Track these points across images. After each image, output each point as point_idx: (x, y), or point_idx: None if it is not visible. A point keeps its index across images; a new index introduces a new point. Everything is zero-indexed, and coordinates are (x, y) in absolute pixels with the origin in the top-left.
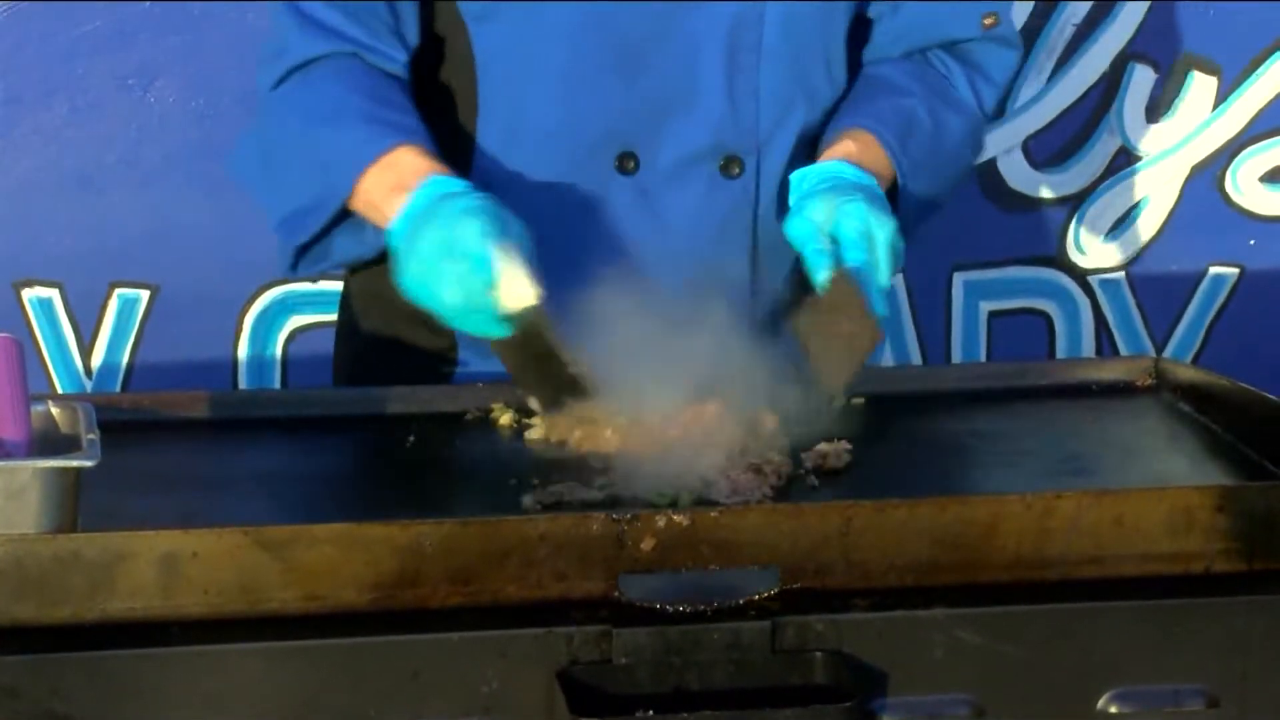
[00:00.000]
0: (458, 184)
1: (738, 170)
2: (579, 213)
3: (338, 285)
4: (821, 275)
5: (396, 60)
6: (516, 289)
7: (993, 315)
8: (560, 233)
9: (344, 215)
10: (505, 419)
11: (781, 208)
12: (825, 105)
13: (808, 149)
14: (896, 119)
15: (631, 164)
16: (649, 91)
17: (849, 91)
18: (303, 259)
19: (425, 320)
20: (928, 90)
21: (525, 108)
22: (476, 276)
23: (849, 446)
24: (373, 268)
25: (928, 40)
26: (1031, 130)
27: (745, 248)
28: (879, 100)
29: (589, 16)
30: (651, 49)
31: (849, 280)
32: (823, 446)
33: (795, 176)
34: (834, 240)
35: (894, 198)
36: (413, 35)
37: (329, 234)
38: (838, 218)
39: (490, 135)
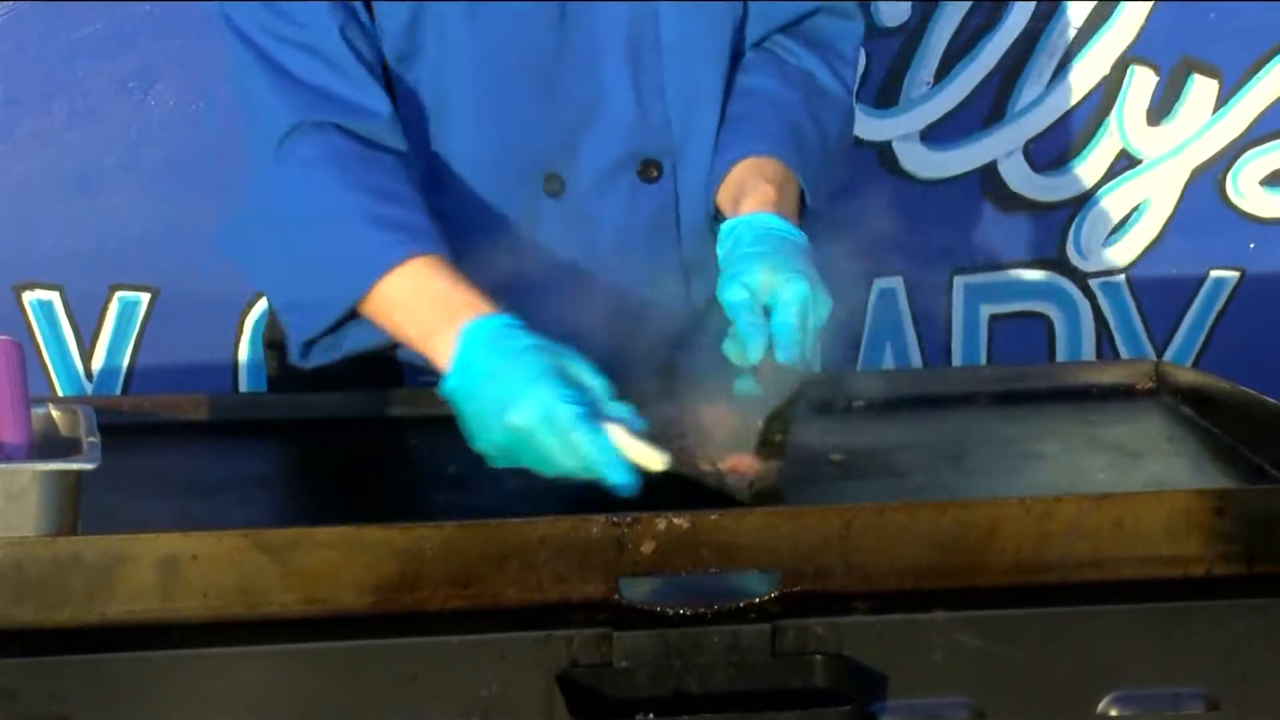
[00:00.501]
0: (507, 329)
1: (656, 173)
2: (512, 241)
3: None
4: (753, 353)
5: (380, 115)
6: (645, 459)
7: (993, 318)
8: (496, 261)
9: (353, 313)
10: None
11: (704, 220)
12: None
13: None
14: (790, 137)
15: (557, 185)
16: (562, 108)
17: (730, 109)
18: (312, 350)
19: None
20: (801, 93)
21: (448, 142)
22: (594, 448)
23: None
24: None
25: (775, 22)
26: (1032, 133)
27: (675, 253)
28: (767, 120)
29: (497, 41)
30: (558, 62)
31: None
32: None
33: (725, 228)
34: (766, 310)
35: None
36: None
37: (339, 328)
38: (775, 292)
39: (417, 172)
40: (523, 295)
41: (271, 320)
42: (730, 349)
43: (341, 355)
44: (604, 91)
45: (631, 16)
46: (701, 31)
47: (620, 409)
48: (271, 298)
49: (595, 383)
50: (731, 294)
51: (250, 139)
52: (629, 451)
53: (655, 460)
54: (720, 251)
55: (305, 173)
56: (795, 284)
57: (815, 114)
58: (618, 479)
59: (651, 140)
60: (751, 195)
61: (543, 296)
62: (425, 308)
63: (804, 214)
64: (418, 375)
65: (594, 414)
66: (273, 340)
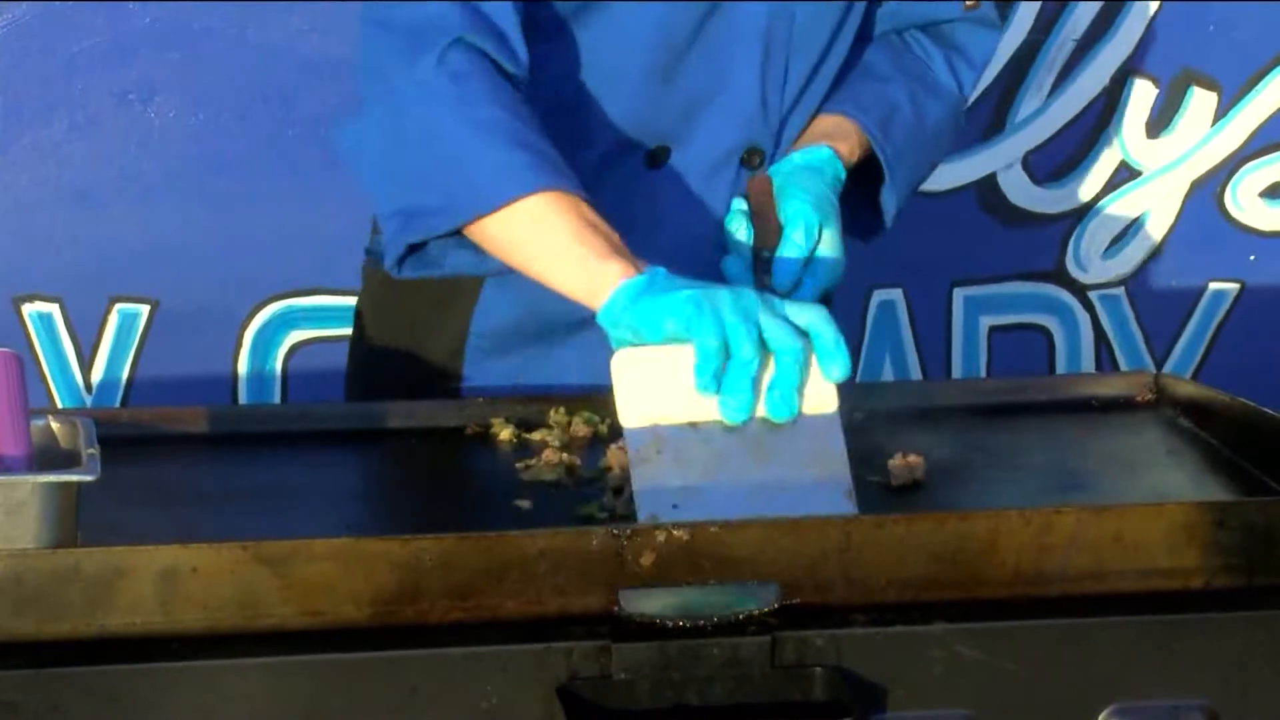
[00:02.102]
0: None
1: (758, 161)
2: (611, 206)
3: (338, 300)
4: (783, 285)
5: (522, 63)
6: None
7: (993, 330)
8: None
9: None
10: (505, 434)
11: None
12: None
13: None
14: (878, 106)
15: (662, 156)
16: (685, 89)
17: None
18: (410, 259)
19: (432, 336)
20: (907, 76)
21: (569, 107)
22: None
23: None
24: (385, 284)
25: (910, 20)
26: (1032, 145)
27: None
28: (859, 86)
29: (639, 23)
30: (691, 49)
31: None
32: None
33: (811, 153)
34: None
35: (877, 181)
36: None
37: (446, 242)
38: (823, 256)
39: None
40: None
41: (356, 317)
42: (736, 227)
43: (439, 273)
44: (731, 79)
45: (770, 12)
46: (828, 31)
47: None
48: (383, 201)
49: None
50: (807, 220)
51: (396, 40)
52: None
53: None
54: (795, 161)
55: (458, 84)
56: (839, 260)
57: (915, 98)
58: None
59: (762, 130)
60: (835, 140)
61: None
62: (586, 237)
63: (871, 203)
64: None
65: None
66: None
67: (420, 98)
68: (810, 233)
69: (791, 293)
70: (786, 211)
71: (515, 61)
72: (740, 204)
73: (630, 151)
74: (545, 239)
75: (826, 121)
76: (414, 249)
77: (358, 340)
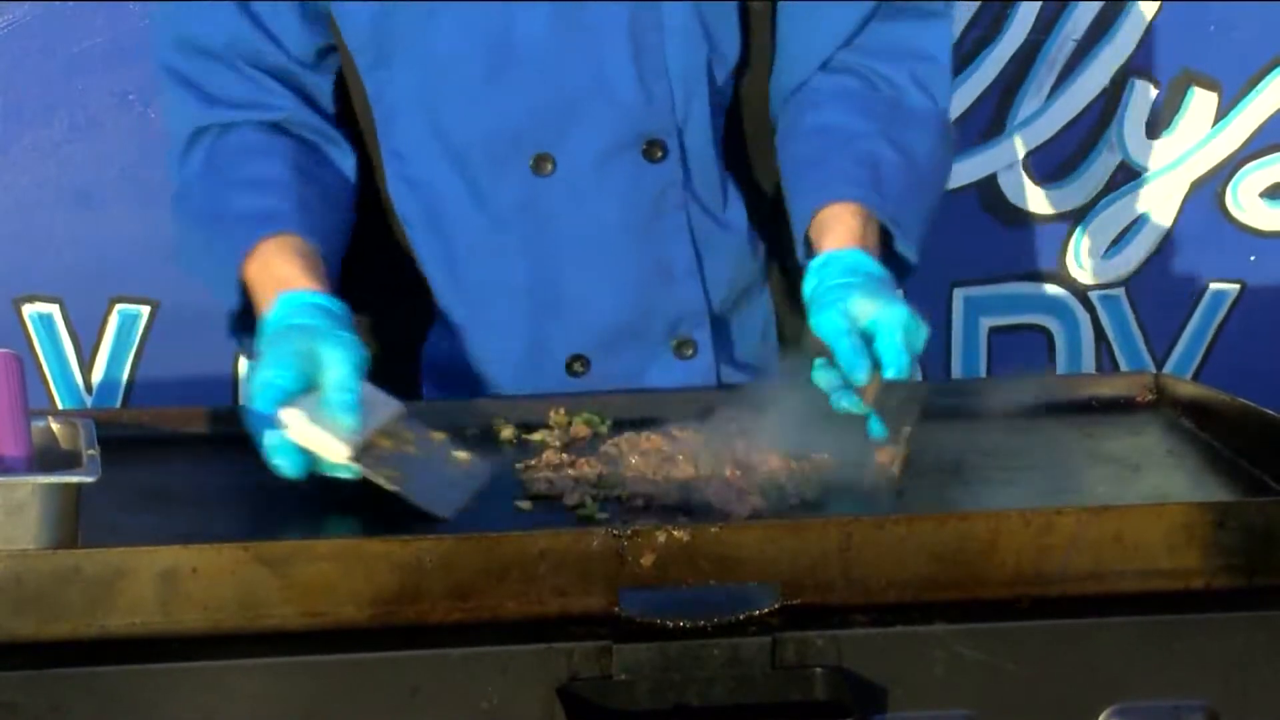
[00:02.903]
0: (291, 307)
1: (660, 153)
2: (504, 222)
3: None
4: (862, 375)
5: (283, 110)
6: (319, 447)
7: (993, 331)
8: (492, 242)
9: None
10: (505, 434)
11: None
12: (732, 65)
13: (725, 115)
14: (868, 175)
15: (549, 165)
16: (555, 91)
17: (802, 151)
18: (246, 343)
19: (385, 353)
20: (881, 121)
21: (437, 123)
22: (258, 430)
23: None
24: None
25: (845, 28)
26: (1031, 146)
27: (684, 231)
28: (838, 158)
29: (479, 34)
30: (551, 49)
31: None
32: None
33: (813, 264)
34: (865, 336)
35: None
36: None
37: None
38: (875, 318)
39: (395, 175)
40: (533, 272)
41: None
42: (822, 377)
43: None
44: (604, 75)
45: (633, 5)
46: (704, 12)
47: (341, 396)
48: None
49: (336, 367)
50: (830, 321)
51: (168, 153)
52: (298, 438)
53: (333, 452)
54: (807, 288)
55: (201, 171)
56: (895, 307)
57: (897, 140)
58: (275, 461)
59: (656, 121)
60: (833, 234)
61: (548, 274)
62: (268, 279)
63: (893, 252)
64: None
65: (288, 399)
66: None
67: (179, 201)
68: (837, 324)
69: (880, 374)
70: (818, 332)
71: (264, 110)
72: (817, 362)
73: (510, 161)
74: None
75: (821, 217)
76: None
77: None
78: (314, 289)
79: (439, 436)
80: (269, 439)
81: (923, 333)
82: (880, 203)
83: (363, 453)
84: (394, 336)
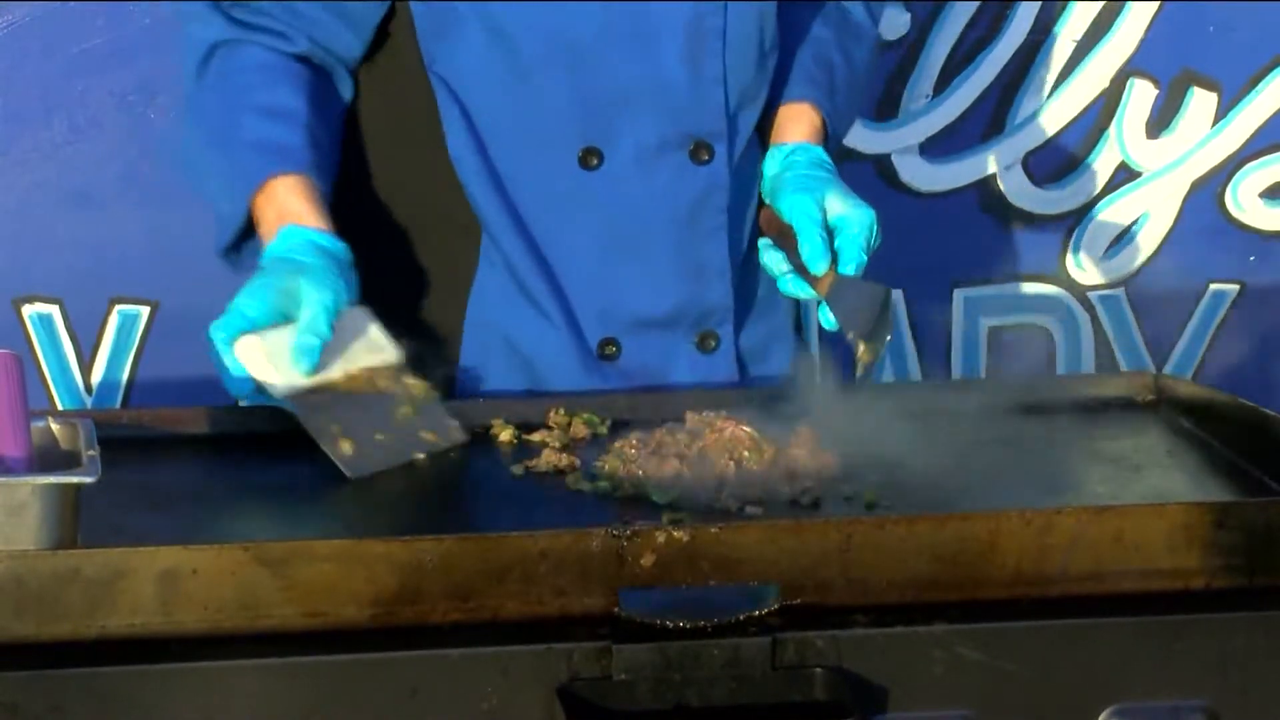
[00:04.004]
0: (287, 241)
1: (707, 156)
2: (550, 210)
3: None
4: (820, 265)
5: (294, 45)
6: (264, 373)
7: (993, 331)
8: (537, 229)
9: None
10: (505, 435)
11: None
12: (773, 69)
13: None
14: (825, 78)
15: (595, 160)
16: (607, 85)
17: None
18: (232, 257)
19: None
20: (835, 32)
21: (482, 115)
22: (216, 350)
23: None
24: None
25: None
26: (1031, 146)
27: (722, 232)
28: (805, 62)
29: (539, 17)
30: (608, 43)
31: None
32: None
33: (779, 150)
34: (829, 229)
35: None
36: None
37: (252, 237)
38: (844, 215)
39: (457, 141)
40: (571, 259)
41: None
42: (771, 258)
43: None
44: (658, 72)
45: (696, 6)
46: (762, 23)
47: (303, 339)
48: (207, 205)
49: (310, 308)
50: (803, 205)
51: (184, 59)
52: (249, 368)
53: (275, 389)
54: (770, 168)
55: (217, 92)
56: (865, 209)
57: (846, 50)
58: (226, 383)
59: (705, 124)
60: (797, 127)
61: (586, 263)
62: (275, 214)
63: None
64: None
65: (251, 328)
66: None
67: (193, 109)
68: (809, 210)
69: (837, 266)
70: (783, 212)
71: (286, 41)
72: (764, 242)
73: (558, 153)
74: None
75: (784, 111)
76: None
77: None
78: (318, 227)
79: (417, 388)
80: (226, 360)
81: (877, 240)
82: (830, 108)
83: (309, 392)
84: (442, 284)
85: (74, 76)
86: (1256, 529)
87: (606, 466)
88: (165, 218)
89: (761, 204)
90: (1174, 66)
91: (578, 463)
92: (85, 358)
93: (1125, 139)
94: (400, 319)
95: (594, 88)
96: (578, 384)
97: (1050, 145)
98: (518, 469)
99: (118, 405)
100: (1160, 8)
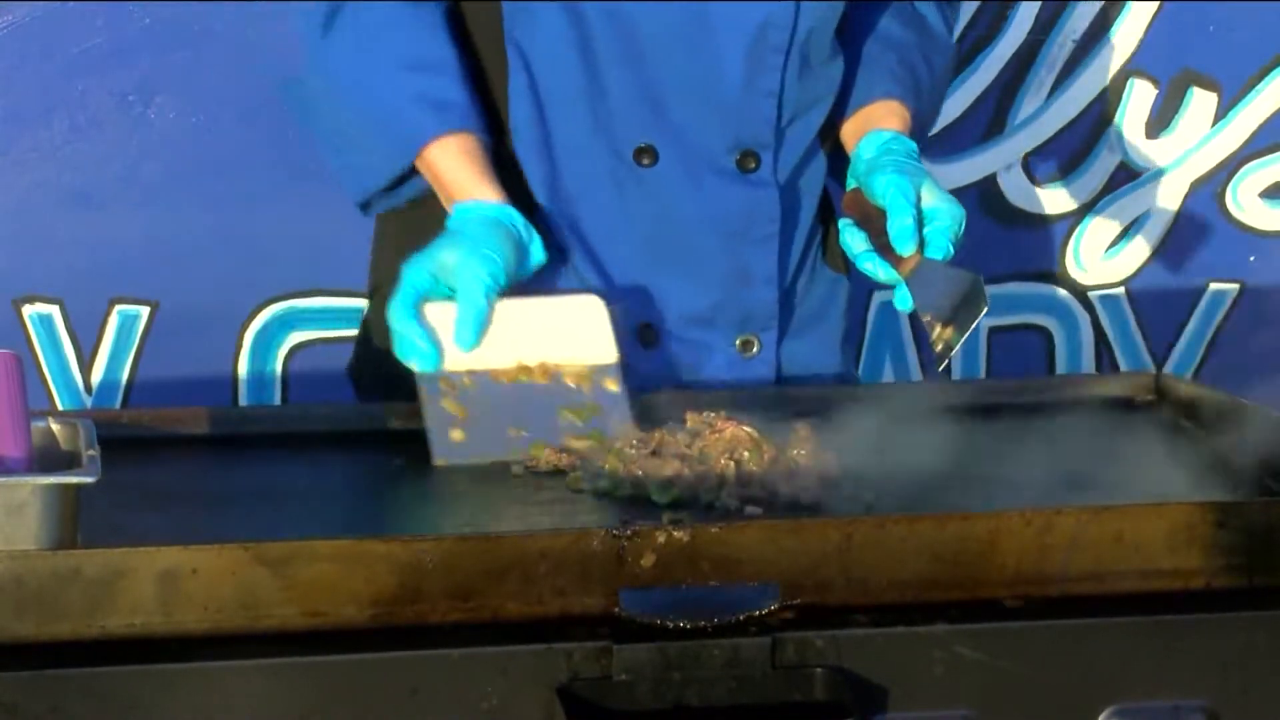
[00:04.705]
0: (466, 217)
1: (754, 164)
2: (600, 198)
3: (339, 301)
4: (909, 247)
5: None
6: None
7: (993, 331)
8: (586, 213)
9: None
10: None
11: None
12: (836, 92)
13: (822, 137)
14: (910, 79)
15: (648, 159)
16: (664, 85)
17: (856, 49)
18: (373, 201)
19: None
20: (917, 37)
21: (548, 92)
22: (394, 318)
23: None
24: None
25: None
26: (1031, 146)
27: (772, 242)
28: (891, 63)
29: (615, 9)
30: (670, 43)
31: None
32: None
33: (878, 137)
34: (921, 217)
35: None
36: None
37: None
38: (936, 206)
39: (520, 112)
40: (614, 249)
41: (356, 357)
42: (852, 237)
43: (401, 201)
44: (713, 78)
45: (765, 21)
46: (824, 40)
47: (467, 311)
48: (328, 156)
49: (464, 281)
50: (900, 186)
51: (302, 14)
52: (437, 330)
53: (413, 362)
54: (867, 151)
55: (354, 46)
56: (956, 206)
57: (927, 56)
58: (401, 353)
59: (753, 133)
60: (892, 120)
61: (630, 255)
62: (444, 182)
63: None
64: None
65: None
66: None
67: (330, 62)
68: (906, 194)
69: (923, 254)
70: (877, 192)
71: None
72: (844, 221)
73: (614, 146)
74: (435, 184)
75: (875, 107)
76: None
77: (363, 344)
78: (486, 198)
79: (591, 406)
80: (411, 333)
81: (962, 240)
82: (915, 108)
83: (455, 377)
84: None
85: (74, 76)
86: (1256, 529)
87: (606, 466)
88: (165, 218)
89: (843, 189)
90: (1174, 66)
91: (578, 462)
92: (85, 358)
93: (1125, 139)
94: None
95: (653, 85)
96: None
97: (1050, 145)
98: (517, 468)
99: (118, 405)
100: (1160, 8)
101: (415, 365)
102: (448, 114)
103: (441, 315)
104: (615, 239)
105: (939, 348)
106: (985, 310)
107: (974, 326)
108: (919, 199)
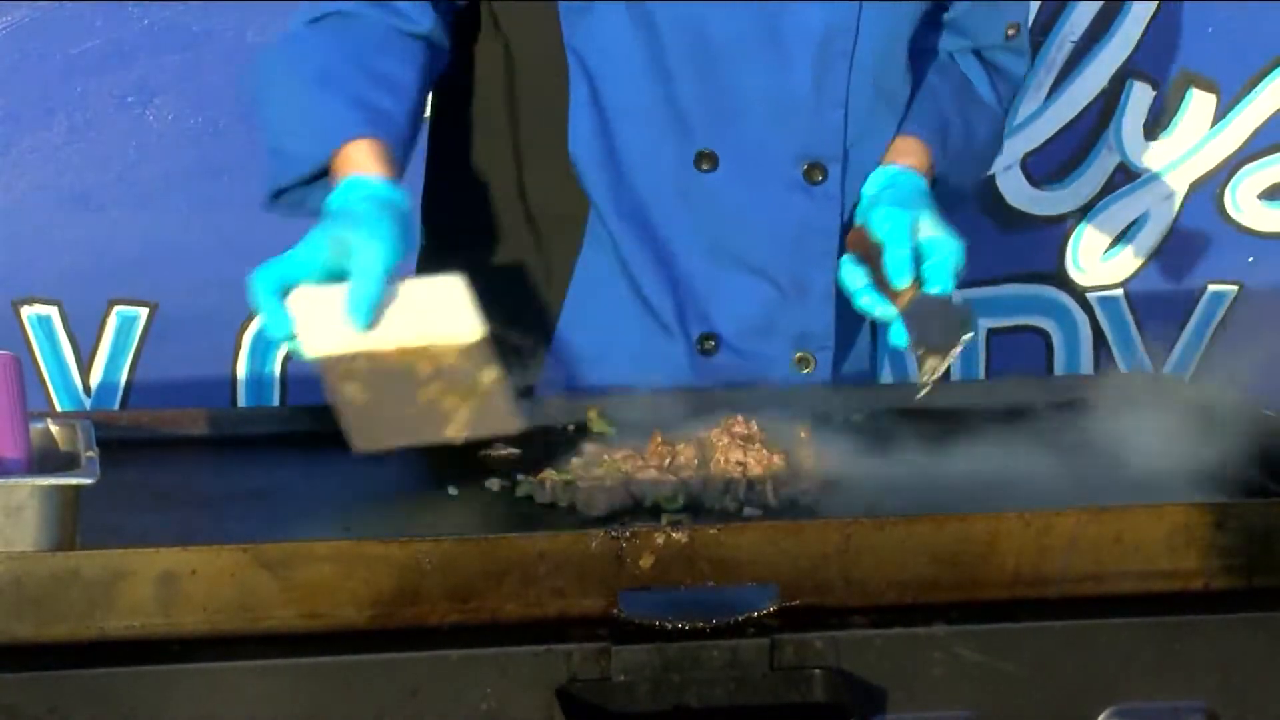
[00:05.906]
0: (347, 191)
1: (821, 177)
2: (662, 204)
3: None
4: (904, 280)
5: (420, 25)
6: (307, 331)
7: (992, 333)
8: (648, 220)
9: (324, 173)
10: (599, 427)
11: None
12: (902, 110)
13: None
14: (937, 123)
15: (708, 164)
16: (730, 92)
17: None
18: (279, 200)
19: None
20: (953, 91)
21: (610, 98)
22: (258, 296)
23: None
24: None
25: (958, 45)
26: (1030, 147)
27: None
28: (921, 104)
29: (682, 15)
30: (737, 50)
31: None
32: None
33: (884, 172)
34: (917, 252)
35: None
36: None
37: (309, 185)
38: (934, 241)
39: (580, 119)
40: (671, 255)
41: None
42: (851, 274)
43: (304, 213)
44: (782, 89)
45: (829, 25)
46: (892, 48)
47: (363, 288)
48: (265, 136)
49: (366, 256)
50: (897, 221)
51: (298, 11)
52: (297, 317)
53: (307, 345)
54: (871, 188)
55: (318, 37)
56: (956, 240)
57: (964, 112)
58: (264, 326)
59: (823, 145)
60: (906, 156)
61: (690, 261)
62: (347, 167)
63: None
64: None
65: (303, 277)
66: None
67: (294, 47)
68: (901, 224)
69: (921, 287)
70: (874, 226)
71: (410, 21)
72: (846, 258)
73: (676, 151)
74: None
75: (896, 144)
76: (282, 191)
77: None
78: (379, 175)
79: (487, 373)
80: (265, 307)
81: (962, 273)
82: (939, 152)
83: (345, 358)
84: (540, 270)
85: (74, 77)
86: (1255, 530)
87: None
88: (164, 219)
89: (851, 225)
90: (1173, 68)
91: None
92: (84, 359)
93: (1124, 140)
94: (495, 302)
95: (719, 92)
96: (672, 376)
97: (1049, 146)
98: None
99: (116, 406)
100: (1159, 8)
101: (269, 333)
102: (380, 124)
103: (321, 298)
104: (677, 246)
105: (924, 377)
106: (969, 338)
107: (955, 353)
108: (916, 232)
